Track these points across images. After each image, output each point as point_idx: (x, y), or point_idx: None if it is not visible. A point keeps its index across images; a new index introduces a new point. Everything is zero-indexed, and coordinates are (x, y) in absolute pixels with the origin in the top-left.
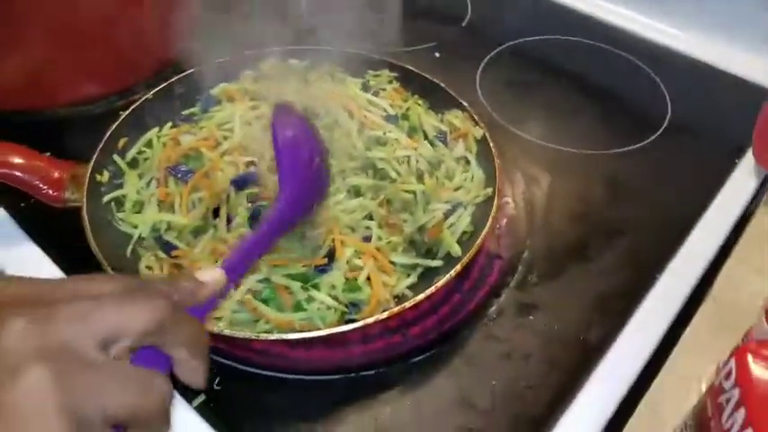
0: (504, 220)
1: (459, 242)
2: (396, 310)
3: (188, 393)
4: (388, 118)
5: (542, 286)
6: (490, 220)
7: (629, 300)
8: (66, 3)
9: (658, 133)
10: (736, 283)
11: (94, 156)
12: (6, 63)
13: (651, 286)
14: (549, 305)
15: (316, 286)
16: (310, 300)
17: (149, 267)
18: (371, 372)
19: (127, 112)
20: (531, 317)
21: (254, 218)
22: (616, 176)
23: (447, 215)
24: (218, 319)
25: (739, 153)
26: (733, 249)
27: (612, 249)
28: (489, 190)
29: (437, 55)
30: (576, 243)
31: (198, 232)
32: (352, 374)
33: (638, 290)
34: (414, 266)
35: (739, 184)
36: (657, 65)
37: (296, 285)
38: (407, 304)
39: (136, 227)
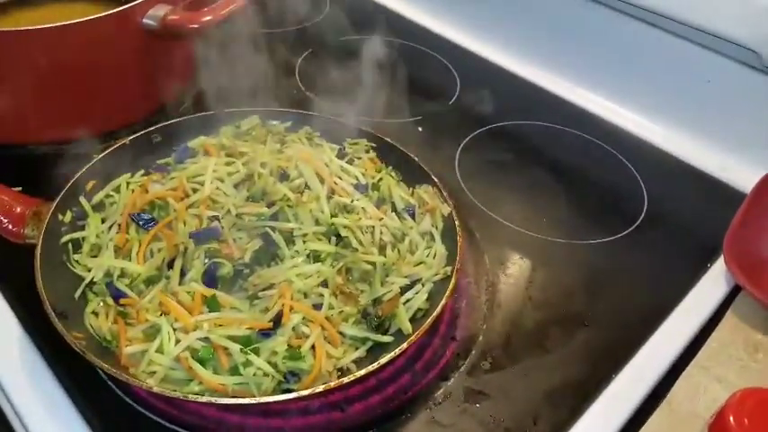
0: (464, 302)
1: (412, 319)
2: (333, 384)
3: None
4: (359, 186)
5: (494, 373)
6: (444, 299)
7: (582, 397)
8: (55, 48)
9: (633, 228)
10: (694, 391)
11: (60, 195)
12: None
13: (606, 385)
14: (498, 394)
15: (256, 351)
16: (248, 364)
17: (95, 313)
18: None
19: (102, 154)
20: (477, 405)
21: (208, 274)
22: (586, 267)
23: (404, 290)
24: (152, 374)
25: (712, 256)
26: (695, 356)
27: (571, 342)
28: (449, 269)
29: (420, 129)
30: (535, 332)
31: (150, 282)
32: None
33: (591, 387)
34: (363, 340)
35: (709, 289)
36: (637, 159)
37: (235, 347)
38: (346, 379)
39: (89, 270)
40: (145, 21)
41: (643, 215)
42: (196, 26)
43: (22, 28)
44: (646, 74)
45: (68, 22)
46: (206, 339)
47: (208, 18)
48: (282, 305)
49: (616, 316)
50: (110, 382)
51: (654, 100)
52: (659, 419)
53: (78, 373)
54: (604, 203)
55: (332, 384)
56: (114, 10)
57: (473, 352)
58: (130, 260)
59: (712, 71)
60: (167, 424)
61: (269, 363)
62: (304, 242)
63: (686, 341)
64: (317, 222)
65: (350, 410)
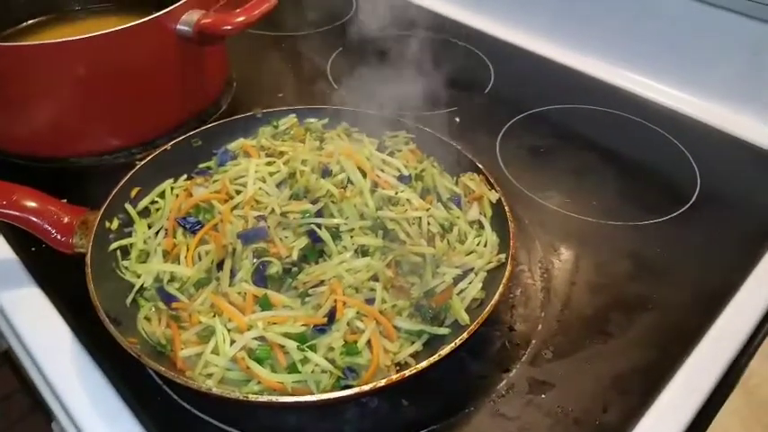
0: (519, 290)
1: (467, 310)
2: (395, 378)
3: None
4: (402, 178)
5: (557, 363)
6: (501, 287)
7: (651, 383)
8: (92, 58)
9: (686, 207)
10: None
11: (105, 203)
12: (32, 113)
13: (676, 370)
14: (563, 384)
15: (312, 347)
16: (306, 361)
17: (148, 318)
18: None
19: (143, 162)
20: (543, 395)
21: (258, 274)
22: (640, 250)
23: (457, 281)
24: (209, 375)
25: None
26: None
27: (634, 327)
28: (502, 256)
29: (457, 119)
30: (596, 318)
31: (200, 285)
32: None
33: (661, 373)
34: (419, 333)
35: None
36: (685, 136)
37: (292, 345)
38: (407, 373)
39: (139, 276)
40: (179, 27)
41: (696, 193)
42: (229, 28)
43: (60, 40)
44: (689, 48)
45: (104, 32)
46: (261, 338)
47: (241, 19)
48: (335, 300)
49: (678, 297)
50: (164, 386)
51: (699, 75)
52: (736, 403)
53: (132, 378)
54: (654, 183)
55: (393, 378)
56: (148, 17)
57: (533, 341)
58: (179, 264)
59: (761, 43)
60: (224, 426)
61: (326, 359)
62: (351, 237)
63: (756, 320)
64: (362, 217)
65: (410, 405)
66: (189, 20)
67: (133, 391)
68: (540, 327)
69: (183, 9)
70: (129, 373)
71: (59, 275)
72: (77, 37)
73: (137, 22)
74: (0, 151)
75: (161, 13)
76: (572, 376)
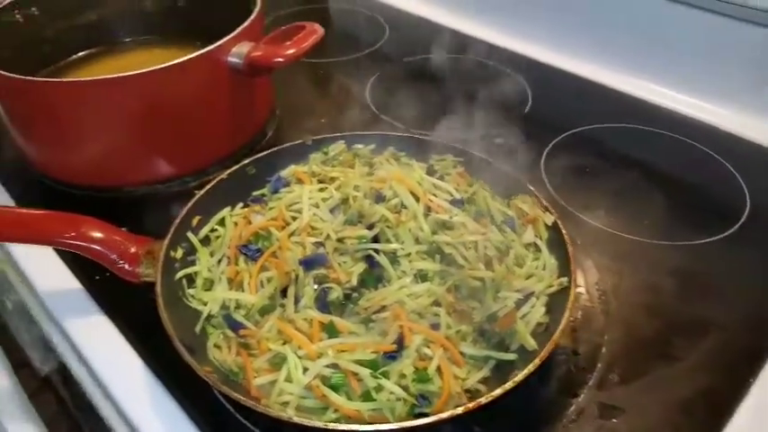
0: (579, 312)
1: (532, 334)
2: (472, 406)
3: None
4: (454, 202)
5: (624, 386)
6: (567, 311)
7: (720, 406)
8: (146, 92)
9: (737, 226)
10: None
11: (170, 232)
12: (89, 145)
13: (744, 392)
14: (632, 408)
15: (385, 374)
16: (380, 389)
17: (218, 346)
18: None
19: (202, 191)
20: (614, 420)
21: (320, 300)
22: (694, 270)
23: (518, 305)
24: (284, 404)
25: None
26: None
27: (697, 349)
28: (564, 279)
29: (499, 141)
30: (658, 341)
31: (264, 311)
32: None
33: (729, 395)
34: (485, 359)
35: None
36: (732, 155)
37: (365, 372)
38: (483, 400)
39: (205, 304)
40: (230, 59)
41: (747, 212)
42: (281, 60)
43: (116, 75)
44: (732, 66)
45: (158, 67)
46: (332, 366)
47: (291, 52)
48: (401, 327)
49: (738, 319)
50: (237, 414)
51: (743, 93)
52: None
53: (204, 406)
54: (702, 202)
55: (471, 405)
56: (200, 51)
57: (598, 365)
58: (243, 291)
59: None
60: None
61: (399, 386)
62: (410, 261)
63: None
64: (417, 241)
65: None
66: (239, 52)
67: (206, 420)
68: (603, 350)
69: (233, 42)
70: (200, 401)
71: (124, 304)
72: (134, 72)
73: (191, 55)
74: (56, 181)
75: (212, 46)
76: (640, 400)
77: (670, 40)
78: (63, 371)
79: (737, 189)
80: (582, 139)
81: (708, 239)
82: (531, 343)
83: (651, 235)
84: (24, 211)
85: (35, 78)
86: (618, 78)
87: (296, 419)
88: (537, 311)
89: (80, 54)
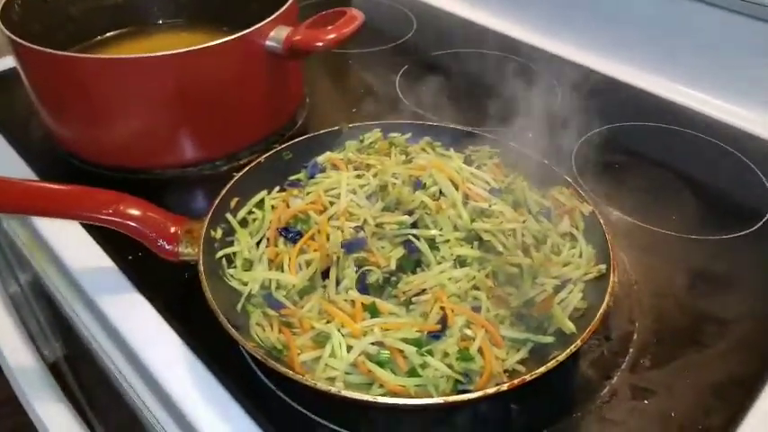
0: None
1: (570, 319)
2: (517, 382)
3: None
4: (492, 191)
5: (656, 370)
6: (607, 297)
7: (749, 389)
8: (182, 73)
9: (761, 223)
10: None
11: (210, 212)
12: (121, 125)
13: None
14: (663, 390)
15: (430, 352)
16: (425, 366)
17: (259, 325)
18: None
19: (240, 173)
20: (646, 401)
21: (360, 282)
22: (720, 262)
23: (556, 290)
24: (330, 379)
25: None
26: None
27: (726, 338)
28: (602, 266)
29: (529, 135)
30: (688, 328)
31: (304, 292)
32: None
33: (757, 379)
34: (524, 341)
35: None
36: (757, 157)
37: (411, 349)
38: (528, 377)
39: (245, 284)
40: (268, 43)
41: None
42: (320, 44)
43: (151, 54)
44: (757, 67)
45: (194, 48)
46: (378, 344)
47: (332, 36)
48: (442, 308)
49: (766, 309)
50: (278, 391)
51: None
52: None
53: (245, 383)
54: (726, 200)
55: (516, 382)
56: (238, 34)
57: (631, 350)
58: (282, 272)
59: None
60: (340, 429)
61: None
62: (449, 248)
63: None
64: (456, 228)
65: (520, 410)
66: (277, 36)
67: (249, 396)
68: (635, 336)
69: (270, 26)
70: (239, 378)
71: (159, 283)
72: (171, 51)
73: (228, 37)
74: (84, 161)
75: (250, 29)
76: (672, 383)
77: (702, 46)
78: (71, 359)
79: (761, 188)
80: (611, 137)
81: (734, 234)
82: (570, 326)
83: (679, 229)
84: (62, 186)
85: (70, 54)
86: (642, 78)
87: (344, 393)
88: (574, 297)
89: (108, 34)
